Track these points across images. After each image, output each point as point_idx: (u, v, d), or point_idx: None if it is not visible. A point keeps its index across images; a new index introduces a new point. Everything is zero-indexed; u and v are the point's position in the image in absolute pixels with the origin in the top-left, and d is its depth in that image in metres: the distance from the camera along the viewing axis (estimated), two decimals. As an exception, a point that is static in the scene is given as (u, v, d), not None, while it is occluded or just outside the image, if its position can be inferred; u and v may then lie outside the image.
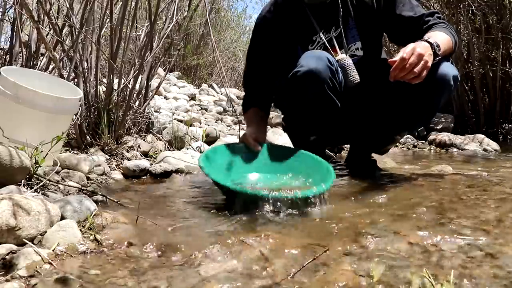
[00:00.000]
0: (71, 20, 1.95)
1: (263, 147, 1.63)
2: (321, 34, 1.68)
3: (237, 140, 2.32)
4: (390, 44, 3.99)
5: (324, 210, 1.25)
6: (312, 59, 1.53)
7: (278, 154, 1.62)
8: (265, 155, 1.61)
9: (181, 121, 2.83)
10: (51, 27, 2.02)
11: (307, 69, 1.51)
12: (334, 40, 1.69)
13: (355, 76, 1.62)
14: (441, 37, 1.46)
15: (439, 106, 1.62)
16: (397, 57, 1.31)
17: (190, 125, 2.61)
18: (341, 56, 1.64)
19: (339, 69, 1.62)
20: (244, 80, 1.91)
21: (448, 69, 1.50)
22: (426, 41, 1.39)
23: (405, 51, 1.31)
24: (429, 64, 1.34)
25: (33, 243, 0.92)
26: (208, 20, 2.75)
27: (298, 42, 1.70)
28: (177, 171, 1.81)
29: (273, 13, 1.76)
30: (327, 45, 1.67)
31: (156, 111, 2.89)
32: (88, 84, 1.97)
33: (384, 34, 1.84)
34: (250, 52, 1.85)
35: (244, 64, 2.04)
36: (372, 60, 1.73)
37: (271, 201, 1.21)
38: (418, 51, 1.31)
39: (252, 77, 1.85)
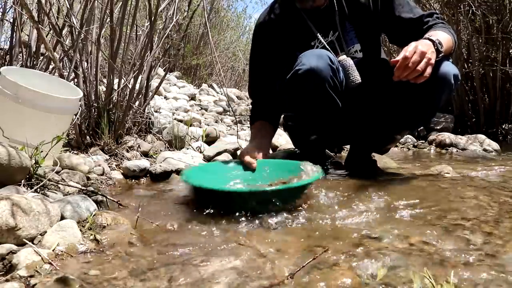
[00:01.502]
0: (71, 20, 1.95)
1: (258, 163, 1.55)
2: (320, 37, 1.68)
3: (236, 140, 2.32)
4: (390, 44, 3.98)
5: (323, 210, 1.25)
6: (313, 57, 1.53)
7: (267, 167, 1.56)
8: (255, 169, 1.55)
9: (181, 121, 2.83)
10: (51, 27, 2.02)
11: (308, 67, 1.50)
12: (336, 43, 1.69)
13: (356, 76, 1.62)
14: (442, 36, 1.46)
15: (440, 105, 1.62)
16: (399, 57, 1.31)
17: (190, 125, 2.61)
18: (343, 57, 1.64)
19: (340, 68, 1.62)
20: (250, 92, 1.90)
21: (449, 68, 1.51)
22: (428, 38, 1.39)
23: (407, 50, 1.31)
24: (432, 61, 1.34)
25: (33, 243, 0.92)
26: (207, 21, 2.75)
27: (296, 48, 1.70)
28: (177, 171, 1.81)
29: (270, 20, 1.75)
30: (328, 48, 1.67)
31: (156, 111, 2.89)
32: (88, 84, 1.97)
33: (383, 35, 1.84)
34: (252, 62, 1.84)
35: (247, 70, 2.00)
36: (372, 61, 1.73)
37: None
38: (420, 49, 1.31)
39: (257, 88, 1.84)
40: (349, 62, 1.63)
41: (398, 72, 1.32)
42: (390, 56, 4.02)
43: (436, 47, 1.38)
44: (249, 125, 2.44)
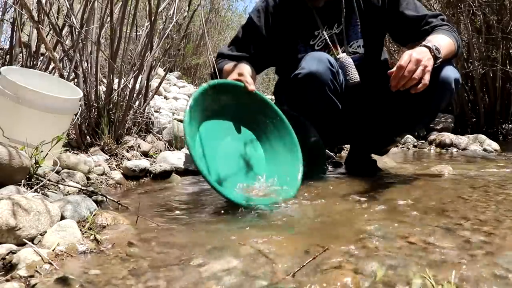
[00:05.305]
0: (71, 20, 1.95)
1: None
2: (323, 30, 1.68)
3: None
4: (391, 44, 3.99)
5: (324, 210, 1.25)
6: (313, 61, 1.53)
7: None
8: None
9: (181, 121, 2.83)
10: (51, 27, 2.02)
11: (308, 72, 1.50)
12: (338, 37, 1.69)
13: (355, 75, 1.61)
14: (442, 40, 1.45)
15: (440, 109, 1.62)
16: (395, 68, 1.31)
17: (190, 125, 2.61)
18: (342, 55, 1.64)
19: (339, 70, 1.62)
20: (223, 51, 1.77)
21: (450, 72, 1.50)
22: (424, 45, 1.38)
23: (402, 60, 1.30)
24: (429, 68, 1.32)
25: (33, 243, 0.92)
26: (203, 22, 2.75)
27: (299, 36, 1.69)
28: (177, 171, 1.81)
29: (276, 4, 1.72)
30: (329, 41, 1.67)
31: (156, 111, 2.88)
32: (88, 84, 1.97)
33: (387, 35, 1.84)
34: (244, 31, 1.74)
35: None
36: (373, 60, 1.73)
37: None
38: (415, 57, 1.30)
39: (239, 50, 1.71)
40: (349, 60, 1.62)
41: (394, 81, 1.31)
42: (391, 56, 4.02)
43: (433, 53, 1.36)
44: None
